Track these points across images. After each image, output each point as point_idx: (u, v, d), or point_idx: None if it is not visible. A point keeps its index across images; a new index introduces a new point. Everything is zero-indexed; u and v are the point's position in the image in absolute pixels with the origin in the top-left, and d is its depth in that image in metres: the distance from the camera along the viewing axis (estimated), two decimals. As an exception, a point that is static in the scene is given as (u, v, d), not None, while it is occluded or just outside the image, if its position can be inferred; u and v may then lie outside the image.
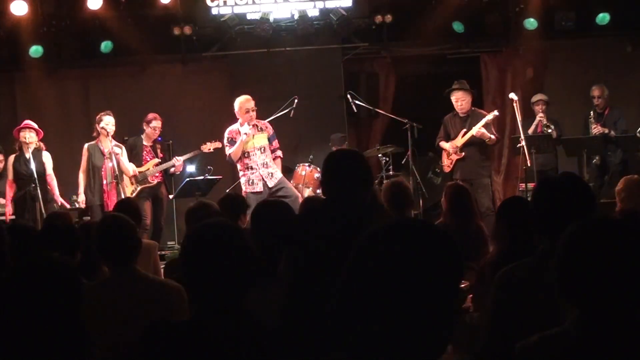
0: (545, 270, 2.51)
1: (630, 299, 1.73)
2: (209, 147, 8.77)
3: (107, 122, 8.17)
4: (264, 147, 8.01)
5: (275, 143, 8.21)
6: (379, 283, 1.35)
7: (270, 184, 7.94)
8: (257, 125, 8.05)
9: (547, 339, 1.83)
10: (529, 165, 8.42)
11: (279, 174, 8.07)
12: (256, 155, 7.96)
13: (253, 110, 7.96)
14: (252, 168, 7.97)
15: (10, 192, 8.27)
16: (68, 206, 8.33)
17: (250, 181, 7.95)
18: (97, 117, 8.26)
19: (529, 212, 2.72)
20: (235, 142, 7.98)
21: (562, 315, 1.91)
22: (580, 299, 1.78)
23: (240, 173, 8.10)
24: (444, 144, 8.69)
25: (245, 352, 2.05)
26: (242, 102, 7.98)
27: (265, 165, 7.98)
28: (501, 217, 3.79)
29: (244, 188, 8.02)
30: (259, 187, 7.91)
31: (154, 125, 8.62)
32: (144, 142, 8.66)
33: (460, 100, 8.48)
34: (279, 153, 8.25)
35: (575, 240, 1.80)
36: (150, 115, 8.68)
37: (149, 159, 8.65)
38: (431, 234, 1.41)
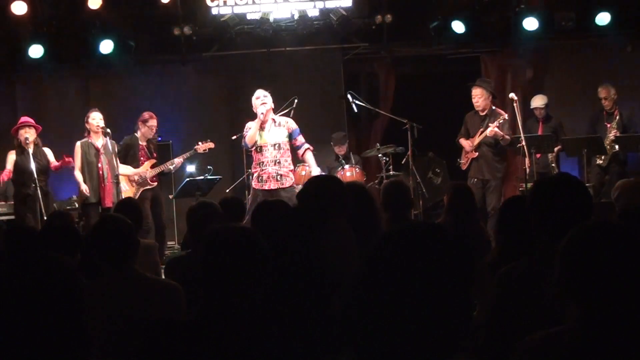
0: (544, 269, 2.52)
1: (632, 299, 1.74)
2: (203, 147, 8.75)
3: (94, 118, 8.17)
4: (279, 145, 7.59)
5: (301, 138, 7.72)
6: (391, 285, 1.36)
7: (274, 185, 7.60)
8: (274, 120, 7.70)
9: (551, 336, 1.84)
10: (528, 165, 8.43)
11: (288, 181, 7.64)
12: (268, 151, 7.57)
13: (264, 97, 7.59)
14: (263, 164, 7.59)
15: (5, 177, 8.22)
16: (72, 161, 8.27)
17: (260, 178, 7.60)
18: (85, 116, 8.26)
19: (527, 211, 2.73)
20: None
21: (561, 313, 1.92)
22: (582, 299, 1.79)
23: (252, 169, 7.79)
24: (463, 142, 8.74)
25: (247, 353, 2.06)
26: (253, 98, 7.73)
27: (276, 164, 7.58)
28: (502, 216, 3.79)
29: (253, 184, 7.74)
30: (267, 185, 7.57)
31: (150, 125, 8.58)
32: (140, 142, 8.64)
33: (475, 97, 8.58)
34: (308, 146, 7.75)
35: (577, 242, 1.82)
36: (146, 114, 8.62)
37: (144, 160, 8.64)
38: (443, 237, 1.42)
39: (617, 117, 9.22)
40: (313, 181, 3.75)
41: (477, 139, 8.53)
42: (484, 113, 8.60)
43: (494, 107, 8.68)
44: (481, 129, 8.51)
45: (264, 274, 2.17)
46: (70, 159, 8.20)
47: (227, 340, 2.06)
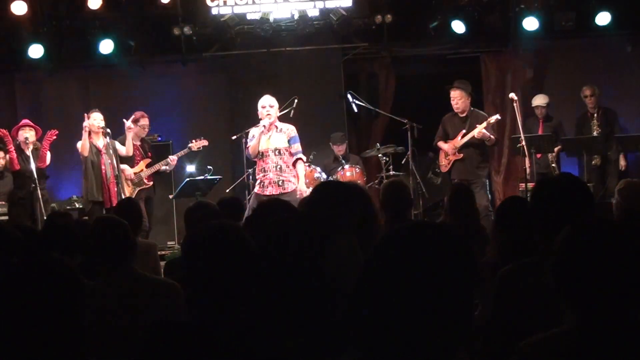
0: (545, 270, 2.51)
1: (627, 300, 1.74)
2: (197, 145, 8.76)
3: (95, 118, 8.17)
4: (280, 150, 7.56)
5: (296, 147, 7.65)
6: (393, 284, 1.36)
7: (276, 191, 7.50)
8: (277, 126, 7.65)
9: (549, 338, 1.84)
10: (528, 165, 8.43)
11: (290, 186, 7.56)
12: (269, 157, 7.55)
13: (270, 107, 7.56)
14: (265, 170, 7.57)
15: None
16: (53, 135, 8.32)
17: (262, 183, 7.57)
18: (85, 117, 8.26)
19: (528, 211, 2.73)
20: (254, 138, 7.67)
21: (562, 314, 1.91)
22: (577, 300, 1.79)
23: (257, 174, 7.75)
24: (442, 145, 8.71)
25: (245, 354, 2.06)
26: (259, 105, 7.69)
27: (278, 169, 7.54)
28: (500, 217, 3.79)
29: (255, 189, 7.72)
30: (268, 191, 7.49)
31: (142, 124, 8.60)
32: (134, 142, 8.62)
33: (455, 99, 8.56)
34: (300, 156, 7.68)
35: (570, 243, 1.81)
36: (137, 114, 8.63)
37: (139, 159, 8.64)
38: (445, 237, 1.42)
39: (595, 115, 9.24)
40: (322, 190, 3.66)
41: (460, 141, 8.49)
42: (463, 114, 8.58)
43: (472, 108, 8.66)
44: (463, 131, 8.49)
45: (252, 271, 2.15)
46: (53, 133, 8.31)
47: (225, 340, 2.05)
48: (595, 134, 9.13)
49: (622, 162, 9.17)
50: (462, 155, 8.49)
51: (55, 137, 8.37)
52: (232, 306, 2.10)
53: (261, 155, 7.60)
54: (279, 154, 7.58)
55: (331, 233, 3.13)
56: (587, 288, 1.76)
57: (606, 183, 9.02)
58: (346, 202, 3.45)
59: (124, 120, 8.28)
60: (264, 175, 7.58)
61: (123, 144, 8.42)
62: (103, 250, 3.26)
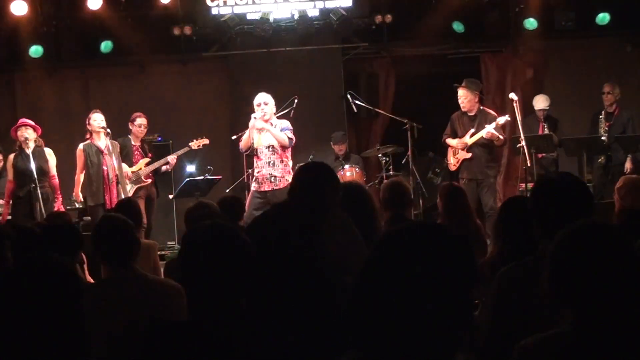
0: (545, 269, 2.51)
1: (623, 301, 1.74)
2: (197, 143, 8.78)
3: (95, 119, 8.17)
4: (273, 146, 7.71)
5: (288, 133, 7.73)
6: (394, 284, 1.36)
7: (269, 187, 7.68)
8: (272, 123, 7.77)
9: (546, 339, 1.84)
10: (529, 165, 8.41)
11: (282, 182, 7.63)
12: (263, 154, 7.73)
13: (264, 104, 7.70)
14: (259, 166, 7.77)
15: (9, 191, 8.24)
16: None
17: (257, 180, 7.76)
18: (87, 118, 8.26)
19: (529, 211, 2.73)
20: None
21: (561, 315, 1.92)
22: (572, 302, 1.79)
23: (255, 173, 7.90)
24: (450, 141, 8.62)
25: (244, 353, 2.05)
26: (254, 102, 7.83)
27: (270, 165, 7.70)
28: (501, 217, 3.78)
29: (252, 187, 7.88)
30: (262, 187, 7.68)
31: (139, 123, 8.61)
32: (133, 142, 8.65)
33: (461, 97, 8.51)
34: (290, 135, 7.75)
35: (565, 245, 1.81)
36: (135, 114, 8.67)
37: (139, 159, 8.65)
38: (444, 237, 1.42)
39: (604, 113, 9.19)
40: (304, 172, 3.67)
41: (469, 140, 8.46)
42: (472, 114, 8.54)
43: (482, 107, 8.63)
44: (472, 130, 8.46)
45: (249, 270, 2.15)
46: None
47: (225, 340, 2.05)
48: (602, 132, 9.10)
49: (628, 165, 9.04)
50: (470, 154, 8.46)
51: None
52: (230, 306, 2.10)
53: (256, 151, 7.79)
54: (272, 150, 7.73)
55: (322, 213, 3.12)
56: (583, 290, 1.76)
57: (607, 183, 9.01)
58: (326, 180, 3.47)
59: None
60: (258, 172, 7.78)
61: (124, 145, 8.45)
62: (107, 249, 3.25)
